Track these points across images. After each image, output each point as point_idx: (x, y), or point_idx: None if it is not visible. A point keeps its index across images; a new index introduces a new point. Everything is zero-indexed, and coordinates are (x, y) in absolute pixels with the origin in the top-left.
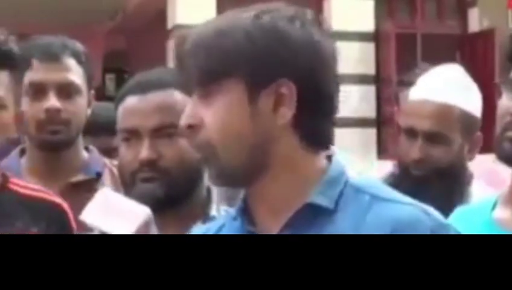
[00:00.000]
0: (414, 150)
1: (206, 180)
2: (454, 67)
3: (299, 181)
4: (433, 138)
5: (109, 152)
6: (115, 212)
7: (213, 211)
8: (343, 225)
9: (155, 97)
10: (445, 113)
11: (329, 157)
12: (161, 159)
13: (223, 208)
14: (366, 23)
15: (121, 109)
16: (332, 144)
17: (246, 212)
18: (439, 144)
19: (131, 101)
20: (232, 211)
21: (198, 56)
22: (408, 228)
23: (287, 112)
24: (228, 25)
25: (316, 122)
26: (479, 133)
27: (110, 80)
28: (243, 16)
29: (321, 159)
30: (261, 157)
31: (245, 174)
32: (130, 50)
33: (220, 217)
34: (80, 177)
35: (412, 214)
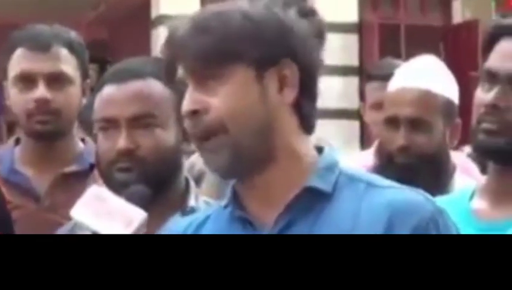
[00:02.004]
0: (398, 138)
1: (185, 170)
2: (430, 58)
3: (295, 165)
4: (416, 124)
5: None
6: (107, 213)
7: (192, 202)
8: (341, 209)
9: (132, 86)
10: (426, 100)
11: (318, 149)
12: (138, 149)
13: (202, 198)
14: (350, 14)
15: (99, 98)
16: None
17: (236, 198)
18: (422, 130)
19: (108, 90)
20: (218, 201)
21: (203, 40)
22: (407, 213)
23: (290, 93)
24: (226, 9)
25: (310, 105)
26: (458, 120)
27: (92, 70)
28: (238, 2)
29: (311, 145)
30: (267, 139)
31: (255, 157)
32: (113, 40)
33: (205, 208)
34: (72, 167)
35: (412, 198)
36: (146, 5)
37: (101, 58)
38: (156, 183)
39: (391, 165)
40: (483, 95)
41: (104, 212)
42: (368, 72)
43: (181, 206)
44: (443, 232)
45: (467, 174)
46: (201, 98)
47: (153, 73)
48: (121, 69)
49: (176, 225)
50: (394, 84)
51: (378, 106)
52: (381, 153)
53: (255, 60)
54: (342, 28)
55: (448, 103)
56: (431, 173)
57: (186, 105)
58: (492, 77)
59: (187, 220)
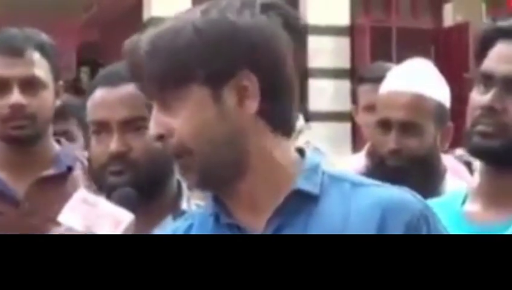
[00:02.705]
0: (389, 141)
1: (177, 173)
2: (422, 61)
3: (276, 170)
4: (407, 128)
5: (64, 136)
6: (96, 217)
7: (184, 205)
8: (330, 210)
9: (124, 89)
10: (418, 103)
11: (299, 151)
12: (130, 152)
13: (194, 202)
14: (342, 17)
15: (90, 101)
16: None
17: (220, 206)
18: (414, 134)
19: (100, 93)
20: (204, 208)
21: (154, 64)
22: (399, 209)
23: (252, 103)
24: (177, 26)
25: (280, 109)
26: (450, 124)
27: (84, 72)
28: (193, 12)
29: (290, 148)
30: (236, 151)
31: (226, 171)
32: (105, 43)
33: (189, 215)
34: (50, 171)
35: (401, 196)
36: (138, 7)
37: (92, 60)
38: (148, 186)
39: (382, 168)
40: (479, 97)
41: (92, 216)
42: (359, 74)
43: (173, 210)
44: (433, 228)
45: (457, 176)
46: (164, 120)
47: None
48: (112, 72)
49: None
50: (386, 87)
51: (371, 108)
52: (372, 155)
53: (207, 78)
54: (334, 30)
55: (440, 106)
56: (422, 176)
57: (152, 129)
58: (488, 79)
59: (168, 231)
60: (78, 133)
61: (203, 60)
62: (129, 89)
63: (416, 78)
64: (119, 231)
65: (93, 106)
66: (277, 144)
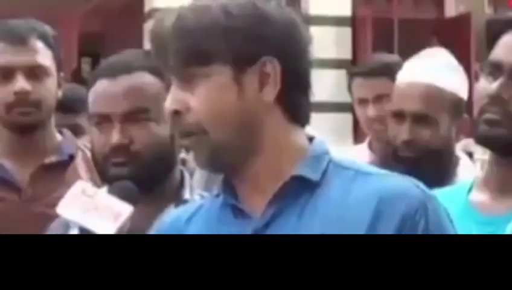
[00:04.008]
0: (403, 132)
1: (179, 164)
2: (439, 51)
3: (284, 156)
4: (421, 119)
5: (73, 130)
6: (95, 208)
7: (187, 195)
8: (329, 197)
9: (125, 81)
10: (433, 95)
11: (310, 138)
12: (132, 144)
13: (198, 191)
14: (343, 7)
15: (92, 92)
16: (309, 125)
17: (228, 187)
18: (428, 125)
19: (101, 85)
20: (211, 192)
21: (180, 39)
22: (396, 199)
23: (272, 90)
24: (206, 5)
25: (299, 97)
26: (466, 116)
27: (86, 63)
28: None
29: (303, 136)
30: (250, 136)
31: (237, 153)
32: (107, 33)
33: (202, 199)
34: (52, 159)
35: (401, 185)
36: None
37: (94, 51)
38: (150, 177)
39: (395, 158)
40: (487, 86)
41: (91, 207)
42: (351, 69)
43: (175, 200)
44: (432, 218)
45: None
46: (182, 97)
47: (145, 67)
48: (113, 63)
49: (169, 216)
50: (403, 78)
51: (363, 101)
52: (388, 145)
53: (232, 60)
54: (335, 21)
55: (456, 98)
56: (435, 167)
57: (168, 104)
58: (497, 69)
59: (179, 210)
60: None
61: (229, 41)
62: (130, 80)
63: (432, 69)
64: (118, 223)
65: (94, 98)
66: (290, 131)
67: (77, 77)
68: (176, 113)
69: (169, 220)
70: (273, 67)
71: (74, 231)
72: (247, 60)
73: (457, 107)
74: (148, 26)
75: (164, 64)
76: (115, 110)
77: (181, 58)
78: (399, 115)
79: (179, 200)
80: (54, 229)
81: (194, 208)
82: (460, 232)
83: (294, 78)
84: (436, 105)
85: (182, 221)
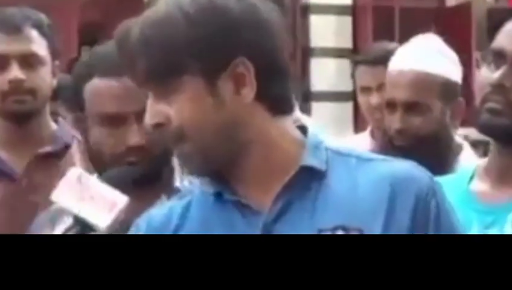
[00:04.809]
0: (395, 121)
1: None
2: (429, 37)
3: (276, 149)
4: (412, 107)
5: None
6: (90, 198)
7: (177, 183)
8: (338, 185)
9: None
10: (422, 82)
11: (302, 129)
12: (147, 144)
13: (187, 178)
14: None
15: (93, 92)
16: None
17: (225, 185)
18: (419, 112)
19: (104, 84)
20: (201, 186)
21: (146, 55)
22: (407, 181)
23: (249, 91)
24: (166, 14)
25: (278, 89)
26: (460, 99)
27: (86, 52)
28: None
29: (291, 127)
30: (235, 139)
31: (223, 158)
32: (106, 22)
33: (185, 193)
34: (48, 148)
35: (409, 170)
36: None
37: (94, 40)
38: (157, 173)
39: (391, 147)
40: (489, 74)
41: (87, 196)
42: (354, 57)
43: (167, 188)
44: (440, 199)
45: None
46: (160, 109)
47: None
48: (112, 60)
49: (156, 213)
50: (393, 67)
51: (366, 89)
52: (384, 134)
53: (201, 70)
54: (336, 10)
55: (447, 82)
56: (431, 154)
57: (147, 118)
58: (499, 57)
59: (166, 207)
60: (66, 115)
61: (195, 51)
62: None
63: (420, 56)
64: (113, 214)
65: (100, 97)
66: (277, 124)
67: None
68: (158, 125)
69: (155, 224)
70: (245, 67)
71: (64, 222)
72: (217, 66)
73: (450, 91)
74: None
75: (135, 80)
76: (129, 110)
77: (151, 74)
78: (391, 104)
79: (170, 188)
80: (37, 224)
81: (182, 205)
82: (460, 220)
83: (269, 71)
84: (426, 91)
85: (173, 222)
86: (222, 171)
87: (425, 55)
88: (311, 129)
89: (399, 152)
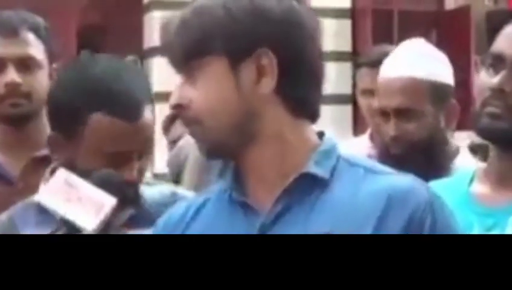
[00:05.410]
0: (389, 129)
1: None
2: (416, 41)
3: (288, 150)
4: (404, 114)
5: None
6: (77, 199)
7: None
8: (338, 194)
9: (142, 121)
10: (410, 87)
11: (320, 134)
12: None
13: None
14: None
15: (102, 130)
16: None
17: (237, 183)
18: (411, 119)
19: (116, 125)
20: (219, 184)
21: (180, 35)
22: (405, 196)
23: (269, 82)
24: (208, 3)
25: (300, 91)
26: (453, 101)
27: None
28: None
29: (310, 131)
30: (247, 128)
31: (233, 146)
32: (105, 25)
33: (207, 191)
34: (44, 151)
35: (409, 184)
36: None
37: (93, 43)
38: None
39: (388, 155)
40: (489, 78)
41: (74, 198)
42: (356, 59)
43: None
44: (438, 216)
45: None
46: (186, 91)
47: (146, 99)
48: (126, 102)
49: (176, 209)
50: (382, 75)
51: (368, 92)
52: (380, 142)
53: (228, 52)
54: (335, 13)
55: (437, 85)
56: (427, 159)
57: (172, 99)
58: (499, 61)
59: (186, 203)
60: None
61: (223, 35)
62: (146, 120)
63: (405, 62)
64: (101, 215)
65: (108, 137)
66: (294, 125)
67: None
68: (179, 106)
69: (176, 214)
70: (268, 59)
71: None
72: (242, 52)
73: (440, 93)
74: (149, 17)
75: (172, 62)
76: (134, 148)
77: (181, 53)
78: (384, 113)
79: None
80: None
81: (200, 202)
82: (460, 223)
83: (297, 71)
84: (416, 96)
85: (189, 215)
86: (229, 159)
87: (411, 61)
88: (328, 135)
89: (395, 161)
